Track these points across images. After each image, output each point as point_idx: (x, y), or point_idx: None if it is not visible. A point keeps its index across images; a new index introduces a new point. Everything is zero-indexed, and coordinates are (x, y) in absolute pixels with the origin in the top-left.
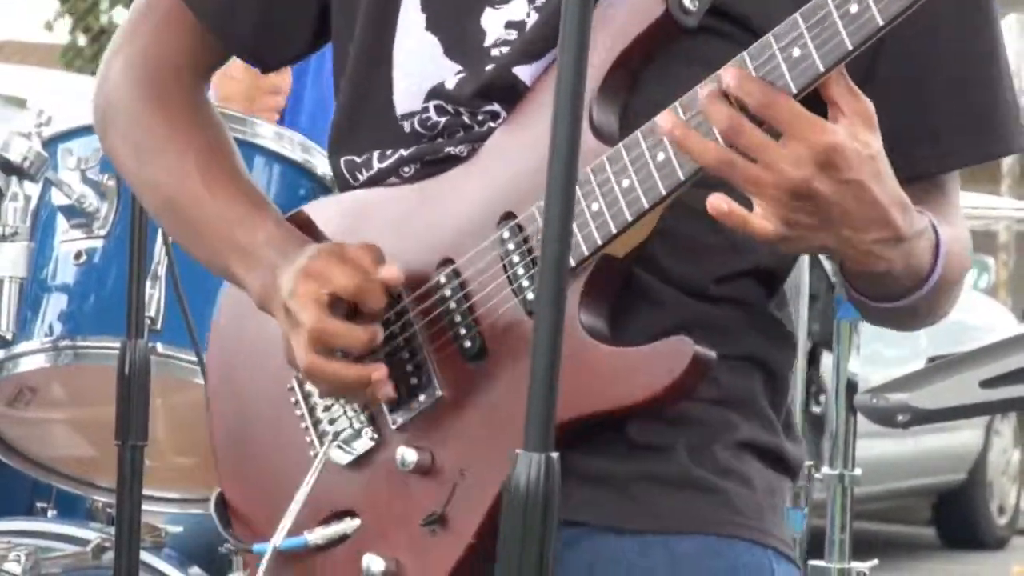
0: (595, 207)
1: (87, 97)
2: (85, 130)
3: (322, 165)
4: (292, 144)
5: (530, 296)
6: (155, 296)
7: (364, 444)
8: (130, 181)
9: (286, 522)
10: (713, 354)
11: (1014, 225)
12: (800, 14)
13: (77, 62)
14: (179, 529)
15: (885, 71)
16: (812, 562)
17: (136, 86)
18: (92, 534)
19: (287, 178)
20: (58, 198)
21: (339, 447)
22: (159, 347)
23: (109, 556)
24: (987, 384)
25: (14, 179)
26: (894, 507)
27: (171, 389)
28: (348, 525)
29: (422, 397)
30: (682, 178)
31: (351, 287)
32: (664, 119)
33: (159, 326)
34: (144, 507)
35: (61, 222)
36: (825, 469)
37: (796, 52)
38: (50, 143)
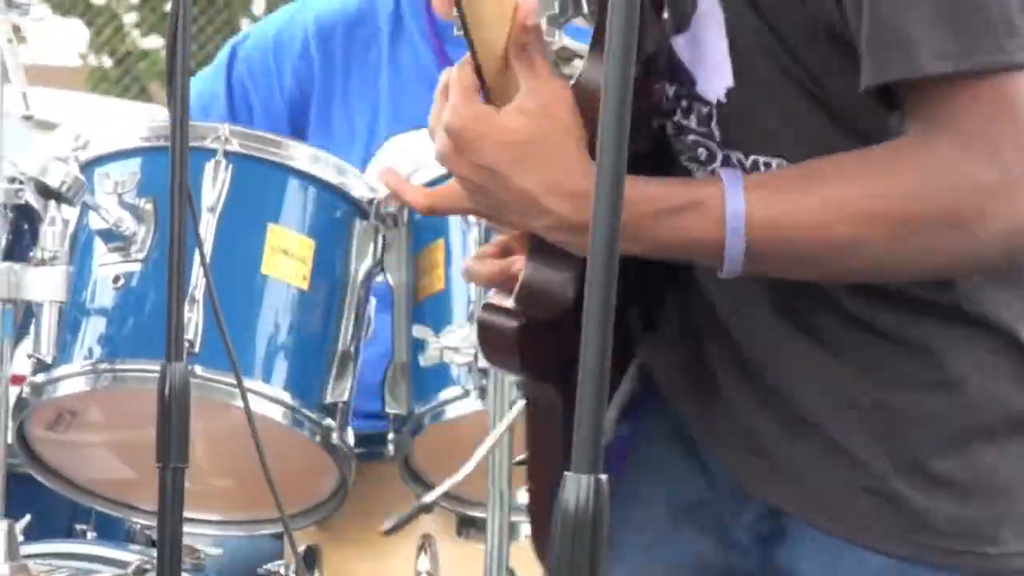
0: None
1: (118, 120)
2: (121, 154)
3: (357, 187)
4: (327, 166)
5: None
6: (193, 319)
7: None
8: None
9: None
10: None
11: None
12: None
13: (103, 85)
14: (218, 552)
15: None
16: None
17: None
18: (132, 556)
19: (322, 200)
20: (95, 222)
21: None
22: (198, 369)
23: None
24: None
25: (52, 203)
26: None
27: (210, 412)
28: None
29: None
30: None
31: None
32: None
33: (197, 349)
34: (184, 530)
35: (99, 246)
36: None
37: None
38: (87, 167)
